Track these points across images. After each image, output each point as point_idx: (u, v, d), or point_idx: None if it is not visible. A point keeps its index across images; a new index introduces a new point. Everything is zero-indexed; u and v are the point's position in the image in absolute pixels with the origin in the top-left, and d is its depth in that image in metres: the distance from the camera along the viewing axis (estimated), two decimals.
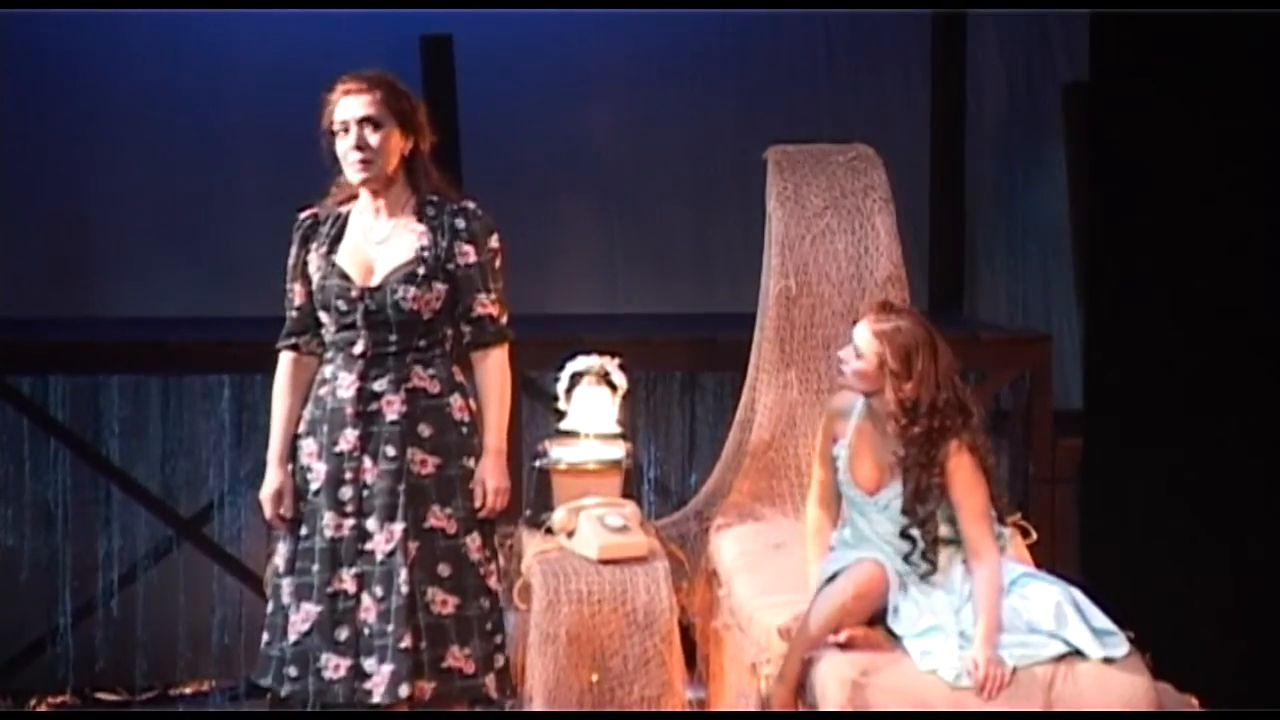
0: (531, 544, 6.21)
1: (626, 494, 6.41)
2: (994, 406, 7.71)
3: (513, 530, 6.47)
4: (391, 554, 5.18)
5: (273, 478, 5.30)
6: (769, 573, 6.07)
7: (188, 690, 8.16)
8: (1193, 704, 5.58)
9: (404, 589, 5.16)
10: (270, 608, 5.32)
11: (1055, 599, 5.36)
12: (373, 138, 5.22)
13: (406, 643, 5.15)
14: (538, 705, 5.88)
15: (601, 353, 6.52)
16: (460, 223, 5.27)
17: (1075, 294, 8.57)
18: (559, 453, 6.37)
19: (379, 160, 5.22)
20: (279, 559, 5.30)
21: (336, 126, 5.24)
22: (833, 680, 5.28)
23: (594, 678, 5.98)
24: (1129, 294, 7.25)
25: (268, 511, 5.30)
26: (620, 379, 6.49)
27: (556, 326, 7.84)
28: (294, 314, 5.32)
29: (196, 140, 8.49)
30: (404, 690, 5.15)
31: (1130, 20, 7.11)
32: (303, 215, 5.33)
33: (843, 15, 8.86)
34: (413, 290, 5.20)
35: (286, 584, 5.26)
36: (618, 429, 6.48)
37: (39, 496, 8.00)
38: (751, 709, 5.81)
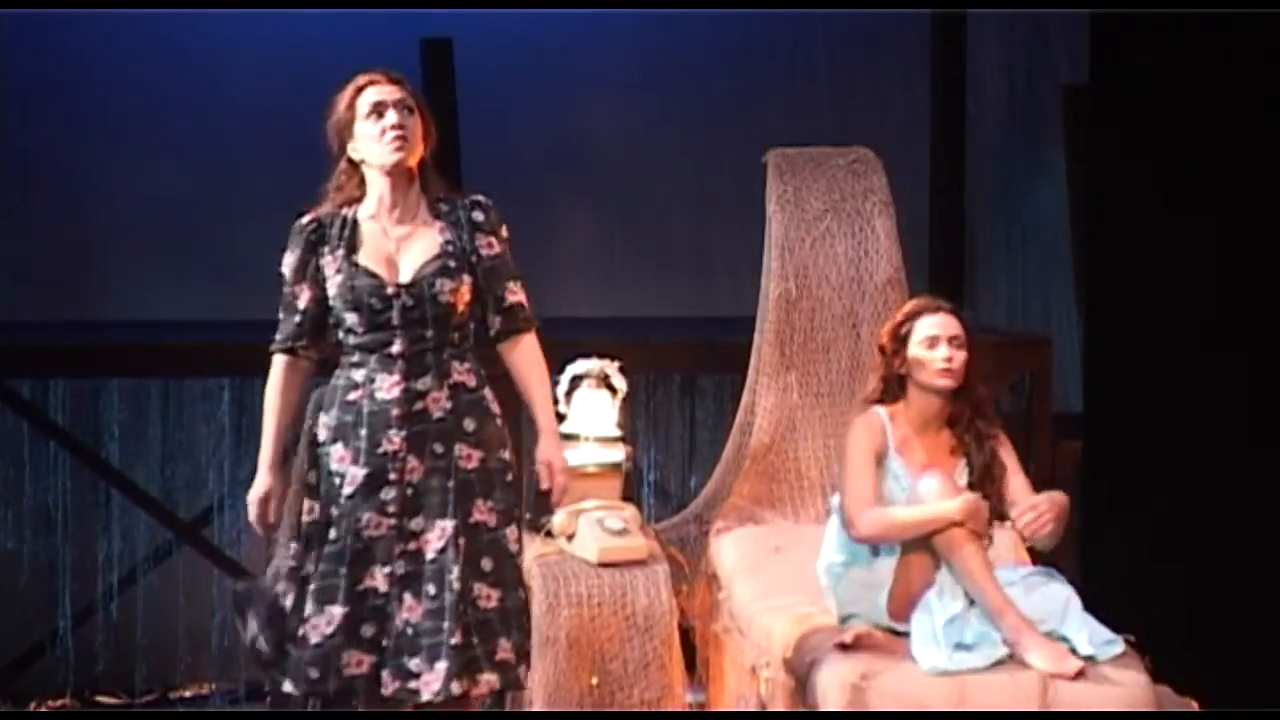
0: (531, 547, 6.21)
1: (626, 497, 6.42)
2: (995, 403, 7.73)
3: None
4: (443, 550, 5.16)
5: (263, 481, 5.29)
6: (769, 576, 6.08)
7: (187, 693, 8.16)
8: (1191, 706, 5.59)
9: (456, 586, 5.14)
10: (278, 609, 5.22)
11: (1064, 595, 5.44)
12: (408, 120, 5.23)
13: (458, 639, 5.13)
14: (538, 708, 5.89)
15: (601, 356, 6.53)
16: (479, 216, 5.29)
17: (1075, 296, 8.58)
18: None
19: (412, 142, 5.23)
20: (280, 562, 5.24)
21: (367, 110, 5.21)
22: (833, 683, 5.28)
23: (594, 681, 5.99)
24: (1129, 296, 7.25)
25: (253, 514, 5.27)
26: (620, 382, 6.50)
27: (556, 329, 7.80)
28: (297, 318, 5.27)
29: (196, 144, 8.49)
30: (456, 688, 5.13)
31: (1130, 22, 7.11)
32: (304, 220, 5.30)
33: (842, 16, 8.86)
34: (449, 283, 5.20)
35: (307, 587, 5.21)
36: (617, 432, 6.48)
37: (39, 500, 8.00)
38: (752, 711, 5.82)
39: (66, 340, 8.00)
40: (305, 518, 5.23)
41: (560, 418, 6.46)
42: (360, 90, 5.26)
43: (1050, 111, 8.92)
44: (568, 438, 6.42)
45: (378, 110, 5.22)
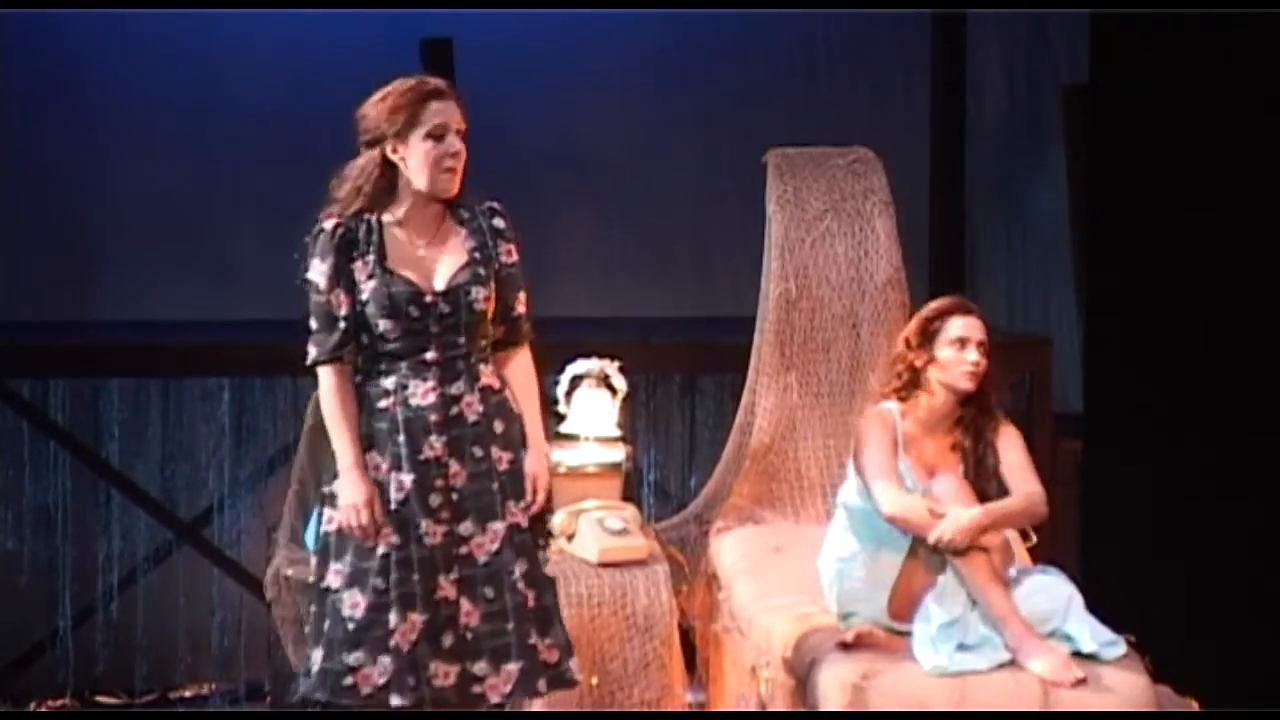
0: None
1: (626, 497, 6.42)
2: (1003, 403, 7.73)
3: None
4: (497, 553, 5.14)
5: (362, 485, 5.09)
6: (769, 576, 6.08)
7: (187, 693, 8.17)
8: (1192, 706, 5.59)
9: (519, 586, 5.14)
10: (329, 623, 5.10)
11: (1067, 593, 5.45)
12: (462, 149, 5.20)
13: (533, 639, 5.14)
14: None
15: (601, 356, 6.53)
16: (499, 223, 5.27)
17: (1075, 296, 8.58)
18: (559, 456, 6.36)
19: (461, 172, 5.21)
20: (334, 576, 5.11)
21: (430, 128, 5.15)
22: (833, 683, 5.28)
23: (594, 680, 5.99)
24: (1129, 296, 7.26)
25: (362, 519, 5.06)
26: (620, 382, 6.50)
27: (556, 329, 7.82)
28: (343, 325, 5.12)
29: (196, 144, 8.49)
30: (543, 685, 5.14)
31: (1130, 22, 7.11)
32: (329, 225, 5.16)
33: (842, 17, 8.87)
34: (482, 291, 5.18)
35: (350, 596, 5.11)
36: (617, 432, 6.49)
37: (39, 500, 8.01)
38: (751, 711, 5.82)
39: (66, 340, 8.00)
40: (326, 527, 5.14)
41: (560, 418, 6.47)
42: (426, 100, 5.16)
43: (1050, 111, 8.93)
44: (568, 438, 6.43)
45: (441, 133, 5.16)
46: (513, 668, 5.12)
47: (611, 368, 6.50)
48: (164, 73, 8.52)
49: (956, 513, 5.37)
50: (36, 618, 8.04)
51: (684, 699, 6.18)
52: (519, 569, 5.16)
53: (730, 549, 6.33)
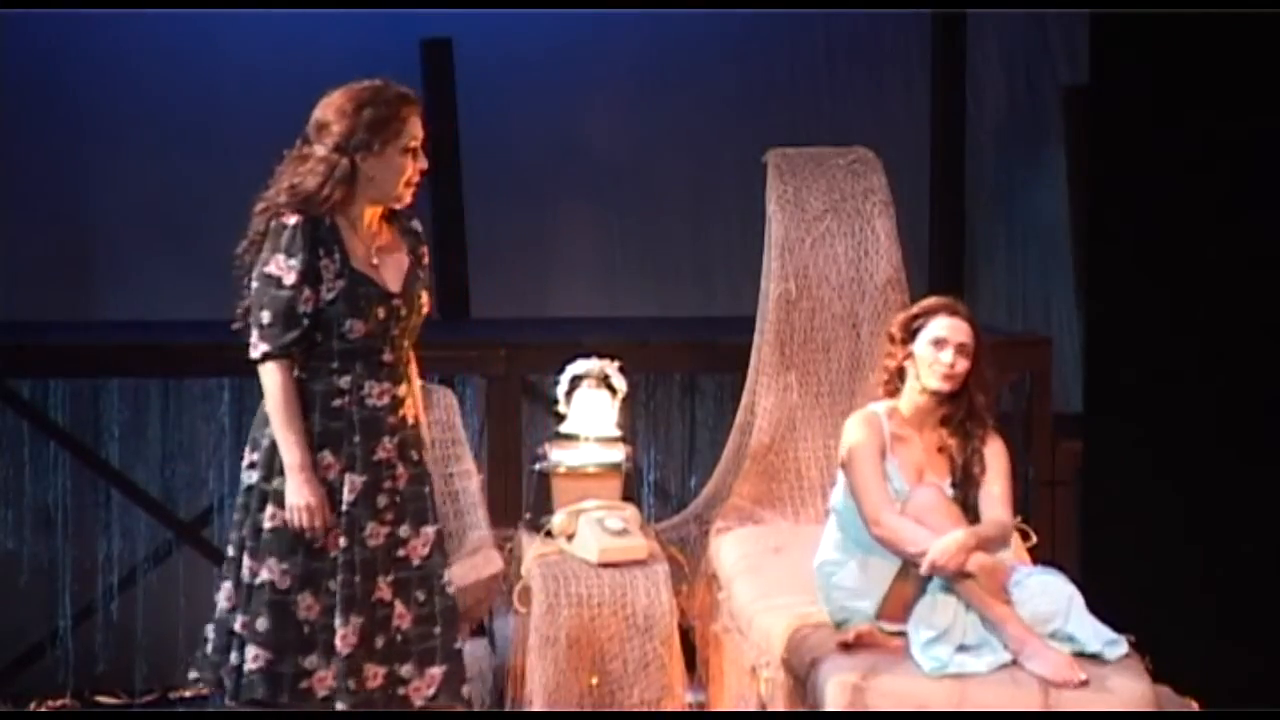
0: (531, 547, 6.22)
1: (626, 497, 6.41)
2: (994, 409, 7.73)
3: (512, 533, 6.48)
4: (429, 556, 5.19)
5: (311, 488, 5.10)
6: (769, 576, 6.08)
7: (187, 693, 8.15)
8: (1192, 706, 5.59)
9: (449, 590, 5.19)
10: (272, 624, 5.11)
11: (1068, 593, 5.45)
12: (425, 162, 5.23)
13: (459, 644, 5.20)
14: (538, 708, 5.89)
15: (601, 356, 6.53)
16: (417, 225, 5.31)
17: (1075, 296, 8.58)
18: (559, 456, 6.37)
19: None
20: (282, 576, 5.12)
21: (408, 144, 5.17)
22: (833, 683, 5.29)
23: (594, 681, 5.99)
24: (1129, 296, 7.26)
25: (314, 521, 5.09)
26: (620, 382, 6.50)
27: (556, 330, 7.84)
28: (306, 321, 5.17)
29: (196, 143, 8.48)
30: (467, 690, 5.19)
31: (1130, 23, 7.11)
32: (295, 221, 5.19)
33: (842, 17, 8.86)
34: (425, 294, 5.24)
35: (304, 599, 5.13)
36: (617, 432, 6.48)
37: (39, 500, 8.00)
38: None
39: (66, 340, 7.99)
40: (268, 524, 5.14)
41: (560, 418, 6.47)
42: (407, 116, 5.18)
43: (1050, 113, 8.92)
44: (568, 438, 6.43)
45: (416, 148, 5.18)
46: (437, 671, 5.17)
47: (611, 368, 6.49)
48: (164, 73, 8.51)
49: (941, 541, 5.38)
50: (36, 618, 8.03)
51: (684, 699, 6.17)
52: (447, 573, 5.22)
53: (730, 549, 6.33)
